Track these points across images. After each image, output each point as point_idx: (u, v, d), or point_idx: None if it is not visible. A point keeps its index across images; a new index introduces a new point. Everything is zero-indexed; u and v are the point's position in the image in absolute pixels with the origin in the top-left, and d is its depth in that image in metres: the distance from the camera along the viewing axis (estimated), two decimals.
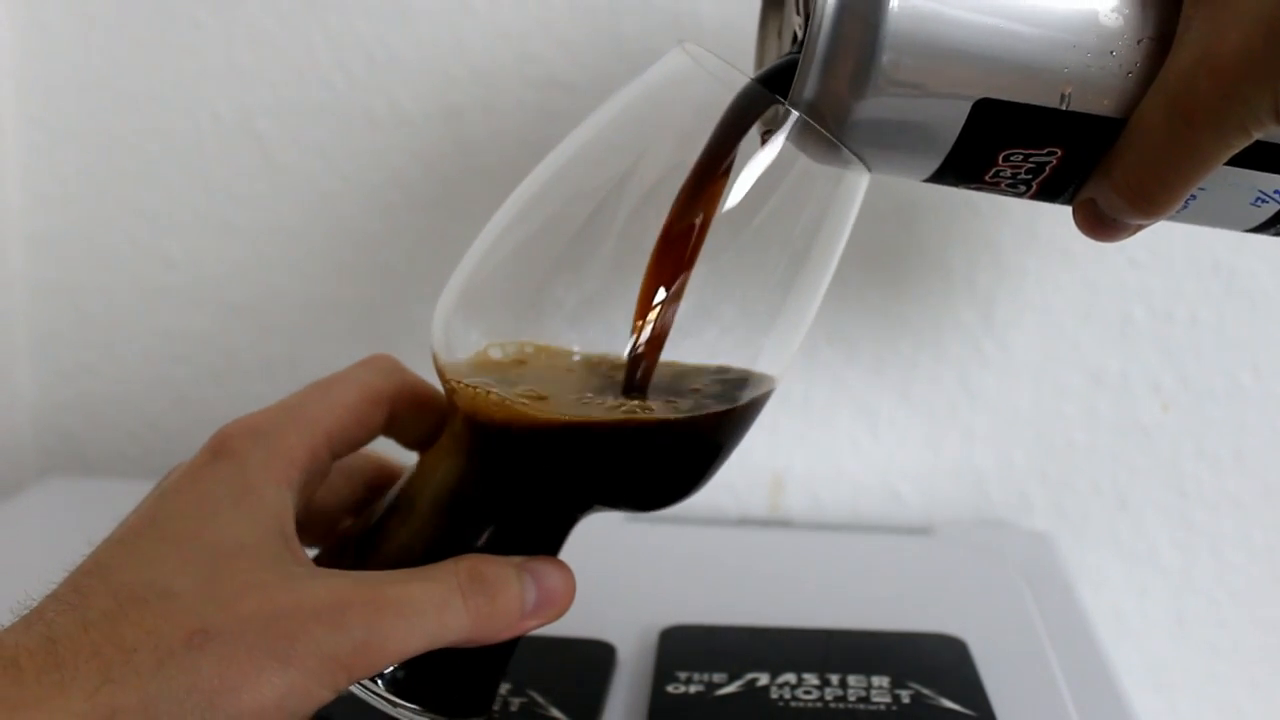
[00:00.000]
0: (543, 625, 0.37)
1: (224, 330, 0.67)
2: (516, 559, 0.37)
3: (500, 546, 0.37)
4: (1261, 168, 0.33)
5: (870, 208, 0.62)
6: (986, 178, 0.33)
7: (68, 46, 0.65)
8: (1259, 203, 0.34)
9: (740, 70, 0.34)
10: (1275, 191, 0.33)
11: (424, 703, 0.37)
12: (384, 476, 0.42)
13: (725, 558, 0.59)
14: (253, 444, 0.37)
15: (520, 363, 0.38)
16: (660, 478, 0.38)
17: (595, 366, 0.37)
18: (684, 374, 0.37)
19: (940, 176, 0.34)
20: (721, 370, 0.37)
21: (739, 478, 0.66)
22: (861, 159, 0.34)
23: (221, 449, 0.36)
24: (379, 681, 0.36)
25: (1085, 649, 0.50)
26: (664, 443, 0.36)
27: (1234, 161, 0.32)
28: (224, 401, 0.68)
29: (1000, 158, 0.32)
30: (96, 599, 0.32)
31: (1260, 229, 0.36)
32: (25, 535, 0.61)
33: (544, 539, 0.39)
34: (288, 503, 0.36)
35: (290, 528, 0.36)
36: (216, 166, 0.66)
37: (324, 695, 0.32)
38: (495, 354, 0.38)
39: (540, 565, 0.37)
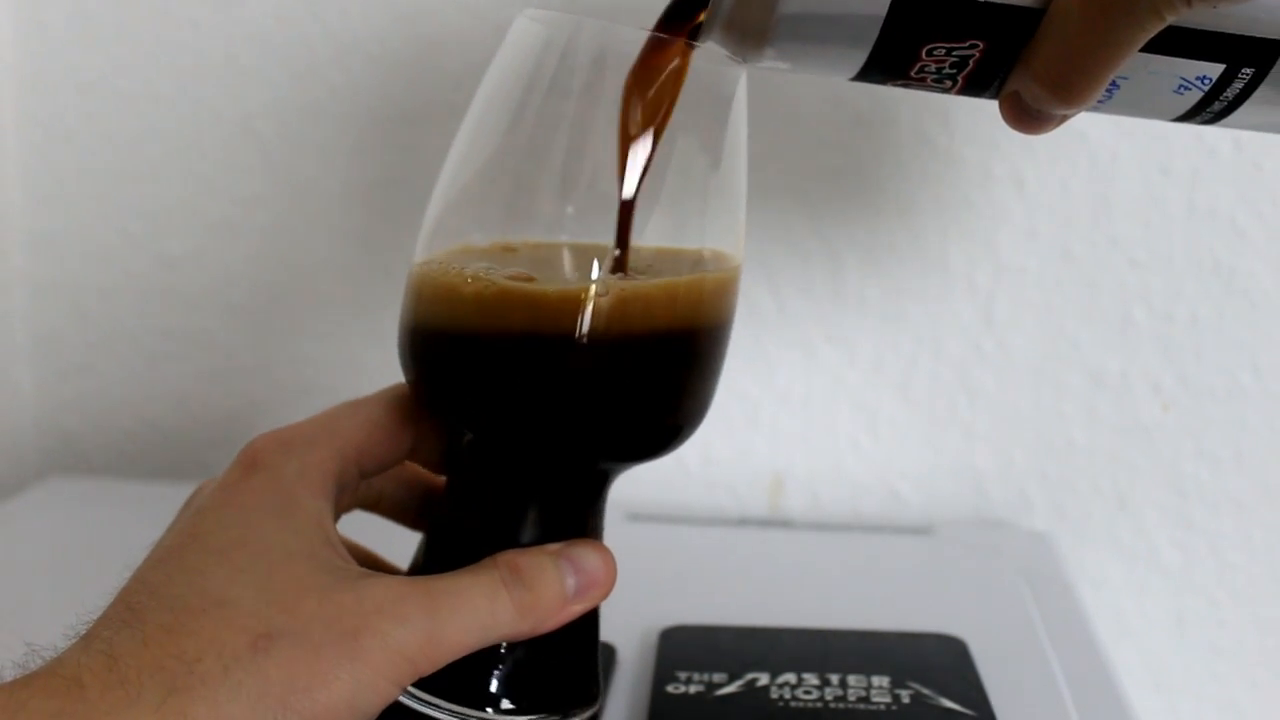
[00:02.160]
0: (590, 607, 0.37)
1: (224, 330, 0.67)
2: (554, 546, 0.37)
3: (536, 535, 0.38)
4: (1181, 54, 0.32)
5: (870, 206, 0.62)
6: (912, 73, 0.33)
7: (68, 46, 0.65)
8: (1181, 90, 0.34)
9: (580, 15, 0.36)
10: (1197, 78, 0.33)
11: (532, 710, 0.38)
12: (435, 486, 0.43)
13: (725, 558, 0.59)
14: (285, 457, 0.37)
15: (509, 249, 0.38)
16: (659, 378, 0.37)
17: (584, 253, 0.37)
18: (660, 257, 0.37)
19: (866, 74, 0.34)
20: (689, 252, 0.38)
21: (739, 478, 0.66)
22: (789, 57, 0.34)
23: (254, 463, 0.37)
24: (488, 709, 0.37)
25: (1085, 649, 0.50)
26: (657, 319, 0.36)
27: (1154, 48, 0.32)
28: (224, 401, 0.68)
29: (923, 52, 0.32)
30: (152, 614, 0.32)
31: (1185, 117, 0.35)
32: (25, 535, 0.61)
33: (575, 518, 0.39)
34: (326, 512, 0.36)
35: (334, 535, 0.36)
36: (216, 166, 0.66)
37: (390, 691, 0.32)
38: (478, 240, 0.38)
39: (577, 550, 0.37)
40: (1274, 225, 0.61)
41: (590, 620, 0.40)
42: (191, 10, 0.64)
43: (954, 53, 0.32)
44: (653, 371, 0.37)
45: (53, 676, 0.30)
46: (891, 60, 0.33)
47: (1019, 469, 0.64)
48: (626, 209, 0.36)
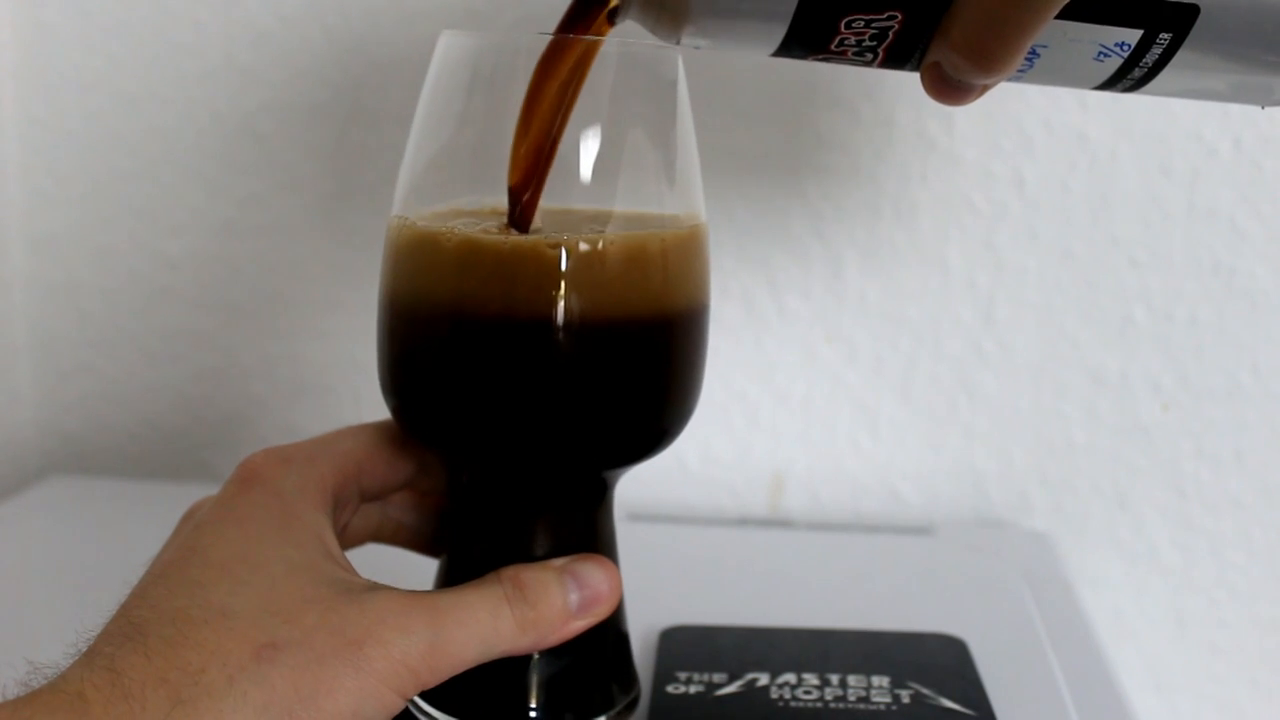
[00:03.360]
0: (595, 622, 0.37)
1: (224, 330, 0.67)
2: (559, 561, 0.37)
3: (543, 551, 0.38)
4: (1099, 20, 0.32)
5: (869, 206, 0.62)
6: (831, 47, 0.33)
7: (68, 46, 0.65)
8: (1101, 57, 0.34)
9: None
10: (1116, 44, 0.33)
11: (579, 713, 0.39)
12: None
13: (725, 558, 0.59)
14: (284, 471, 0.37)
15: (499, 213, 0.38)
16: (641, 363, 0.37)
17: (563, 216, 0.37)
18: (632, 219, 0.37)
19: (786, 49, 0.33)
20: (653, 215, 0.38)
21: (739, 478, 0.66)
22: (708, 34, 0.34)
23: (252, 478, 0.37)
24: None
25: (1085, 649, 0.50)
26: (630, 276, 0.36)
27: (1072, 15, 0.32)
28: (224, 401, 0.68)
29: (842, 25, 0.32)
30: (154, 628, 0.31)
31: (1107, 85, 0.35)
32: (25, 535, 0.61)
33: (580, 530, 0.39)
34: (326, 525, 0.36)
35: (334, 548, 0.36)
36: (216, 166, 0.66)
37: (395, 702, 0.32)
38: (465, 205, 0.38)
39: (582, 566, 0.37)
40: (1274, 225, 0.61)
41: (614, 623, 0.40)
42: (192, 10, 0.64)
43: (873, 24, 0.32)
44: (634, 355, 0.37)
45: (55, 693, 0.29)
46: (810, 34, 0.32)
47: (1019, 469, 0.64)
48: (532, 187, 0.36)
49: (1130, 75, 0.34)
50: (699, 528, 0.63)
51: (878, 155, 0.62)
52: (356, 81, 0.64)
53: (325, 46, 0.63)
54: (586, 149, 0.36)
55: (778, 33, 0.33)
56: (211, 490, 0.39)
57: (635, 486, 0.65)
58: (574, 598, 0.37)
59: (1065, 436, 0.64)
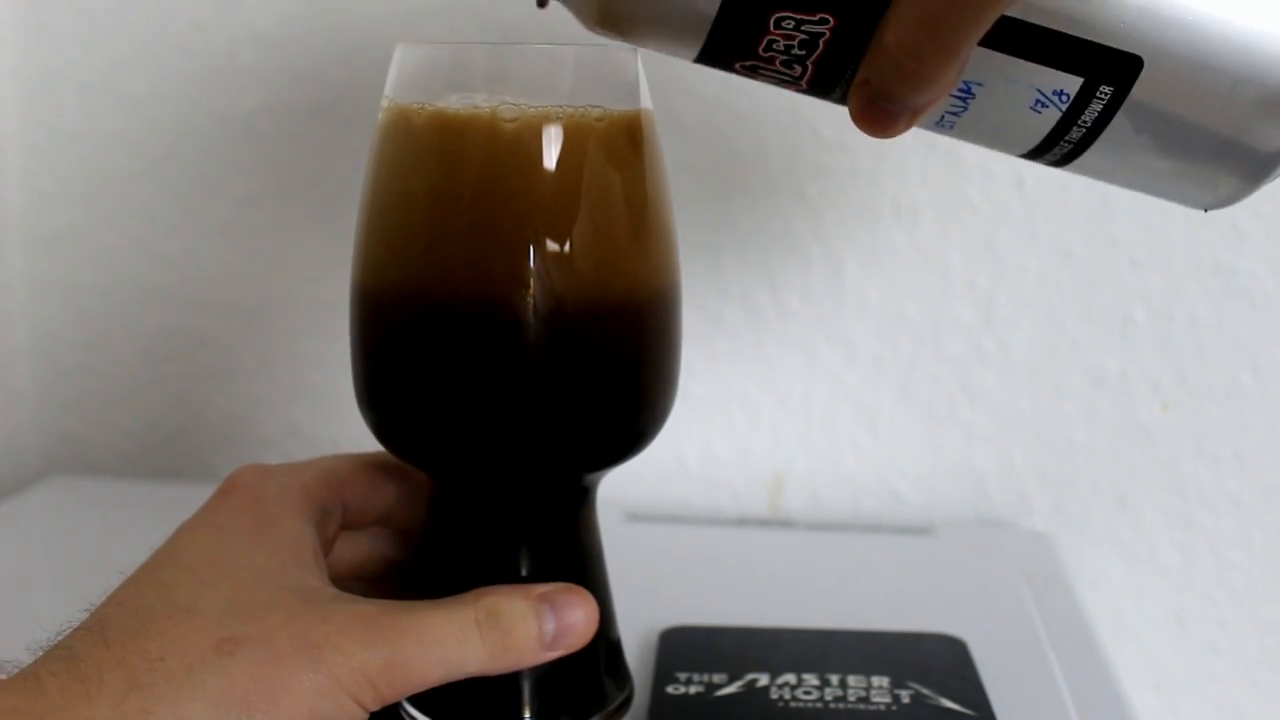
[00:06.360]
0: (566, 654, 0.37)
1: (224, 330, 0.67)
2: (539, 589, 0.37)
3: (524, 556, 0.38)
4: (1037, 59, 0.31)
5: (869, 207, 0.62)
6: (760, 50, 0.32)
7: (68, 46, 0.65)
8: (1039, 106, 0.32)
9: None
10: (1055, 92, 0.32)
11: (573, 714, 0.39)
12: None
13: (725, 558, 0.59)
14: (266, 480, 0.38)
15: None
16: (614, 344, 0.37)
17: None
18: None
19: (712, 49, 0.32)
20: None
21: (739, 478, 0.66)
22: (633, 30, 0.33)
23: (234, 487, 0.37)
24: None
25: (1085, 649, 0.50)
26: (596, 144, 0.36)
27: (1009, 48, 0.31)
28: (224, 401, 0.68)
29: (772, 22, 0.31)
30: (116, 620, 0.32)
31: (1042, 147, 0.33)
32: (25, 535, 0.61)
33: (561, 533, 0.39)
34: (306, 532, 0.37)
35: (310, 555, 0.36)
36: (216, 166, 0.66)
37: (353, 709, 0.32)
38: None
39: (562, 597, 0.37)
40: (1274, 225, 0.61)
41: (604, 628, 0.40)
42: (193, 10, 0.64)
43: (803, 28, 0.31)
44: (612, 325, 0.37)
45: (13, 679, 0.30)
46: (738, 32, 0.31)
47: (1019, 469, 0.64)
48: None
49: (1068, 136, 0.33)
50: (699, 528, 0.63)
51: (878, 155, 0.62)
52: (356, 82, 0.64)
53: (325, 47, 0.63)
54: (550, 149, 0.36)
55: (702, 30, 0.31)
56: (210, 491, 0.39)
57: (635, 486, 0.65)
58: (549, 628, 0.36)
59: (1065, 436, 0.64)
